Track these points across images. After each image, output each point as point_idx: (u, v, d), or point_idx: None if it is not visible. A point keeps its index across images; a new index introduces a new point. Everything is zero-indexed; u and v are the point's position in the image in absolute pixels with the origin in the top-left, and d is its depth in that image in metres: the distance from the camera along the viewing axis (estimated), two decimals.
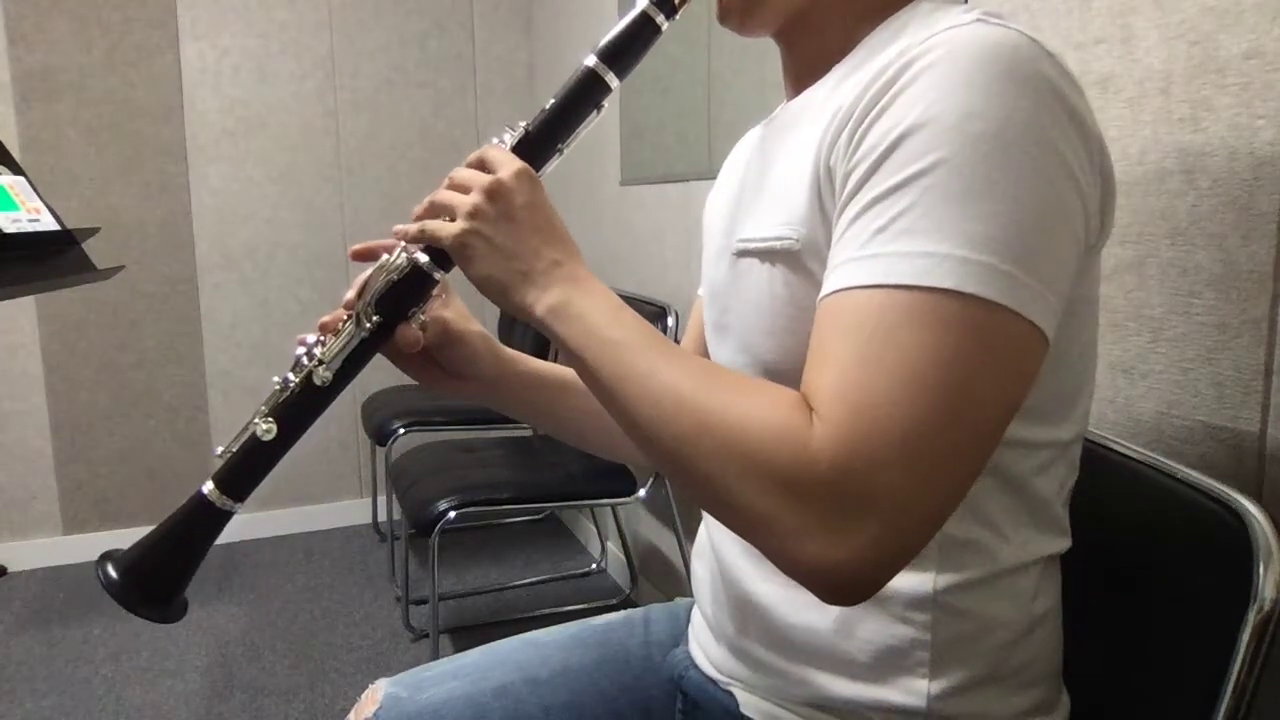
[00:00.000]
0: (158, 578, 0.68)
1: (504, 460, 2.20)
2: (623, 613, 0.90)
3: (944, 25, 0.52)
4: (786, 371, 0.61)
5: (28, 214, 1.28)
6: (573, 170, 2.78)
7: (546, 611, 2.44)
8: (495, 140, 0.67)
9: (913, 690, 0.60)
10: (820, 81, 0.64)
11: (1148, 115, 0.87)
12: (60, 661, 2.17)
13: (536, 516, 3.11)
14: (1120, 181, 0.90)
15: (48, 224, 1.29)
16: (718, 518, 0.53)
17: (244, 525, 2.86)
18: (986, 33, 0.50)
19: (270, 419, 0.67)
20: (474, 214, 0.62)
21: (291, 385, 0.68)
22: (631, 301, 2.15)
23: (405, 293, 0.69)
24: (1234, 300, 0.79)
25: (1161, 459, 0.72)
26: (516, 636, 0.87)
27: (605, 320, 0.59)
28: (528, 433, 2.61)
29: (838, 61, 0.63)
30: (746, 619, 0.68)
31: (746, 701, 0.69)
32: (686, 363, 0.55)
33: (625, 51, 0.66)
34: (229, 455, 0.68)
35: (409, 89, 2.96)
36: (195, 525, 0.68)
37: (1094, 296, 0.60)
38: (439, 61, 2.98)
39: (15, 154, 1.38)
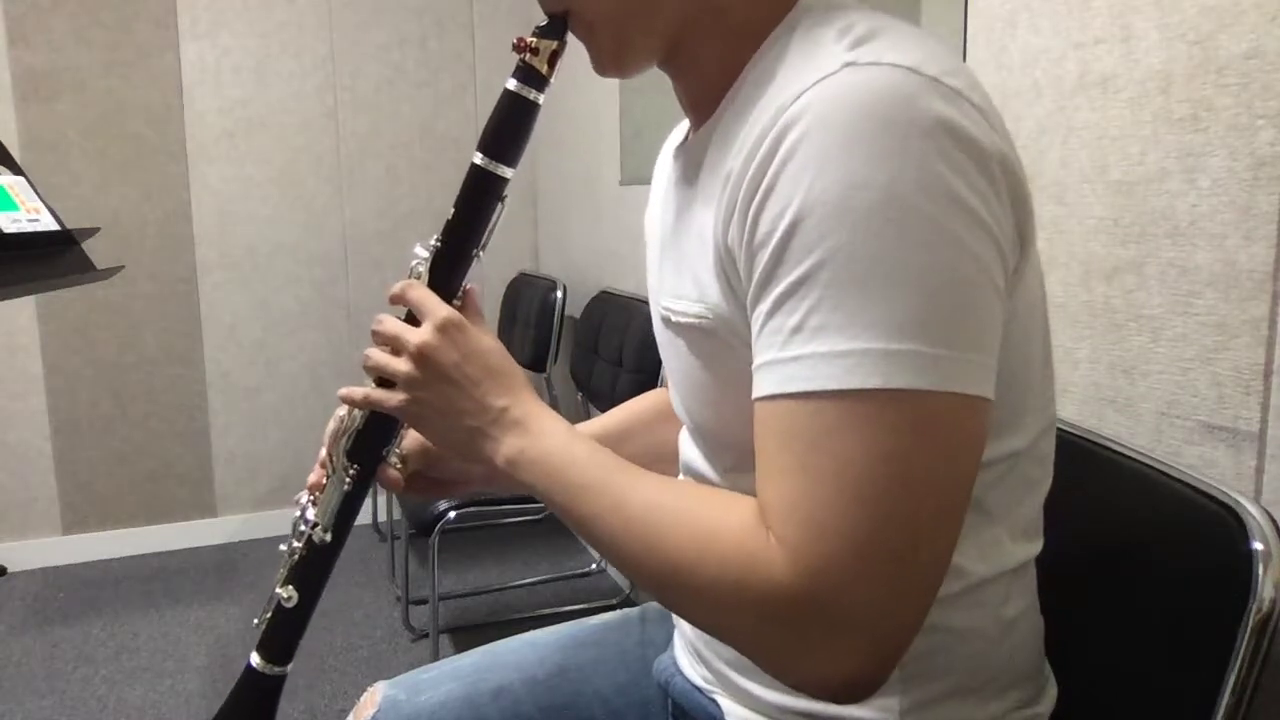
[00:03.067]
0: None
1: None
2: (619, 612, 0.90)
3: (812, 76, 0.49)
4: (721, 434, 0.64)
5: (27, 214, 1.28)
6: (573, 170, 2.78)
7: (546, 611, 2.44)
8: (413, 264, 0.67)
9: (884, 706, 0.59)
10: (711, 121, 0.62)
11: (1148, 115, 0.87)
12: (60, 661, 2.17)
13: (536, 516, 3.11)
14: (1120, 181, 0.90)
15: (48, 224, 1.29)
16: (718, 640, 0.55)
17: (244, 525, 2.86)
18: (856, 82, 0.47)
19: (289, 585, 0.71)
20: (410, 384, 0.62)
21: (298, 551, 0.71)
22: (631, 302, 2.16)
23: (373, 439, 0.70)
24: (1234, 300, 0.79)
25: (1161, 459, 0.72)
26: (514, 637, 0.88)
27: (561, 462, 0.59)
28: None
29: (727, 87, 0.60)
30: (711, 640, 0.69)
31: (731, 710, 0.68)
32: (645, 492, 0.55)
33: (507, 139, 0.64)
34: (263, 625, 0.73)
35: (409, 89, 2.96)
36: (254, 697, 0.75)
37: (1030, 306, 0.57)
38: (439, 61, 2.98)
39: (15, 154, 1.38)
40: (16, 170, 1.32)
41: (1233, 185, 0.79)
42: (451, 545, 2.82)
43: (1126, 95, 0.89)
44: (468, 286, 0.68)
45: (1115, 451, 0.76)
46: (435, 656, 2.01)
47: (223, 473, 2.89)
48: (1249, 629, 0.58)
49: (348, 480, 0.70)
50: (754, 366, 0.52)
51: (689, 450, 0.72)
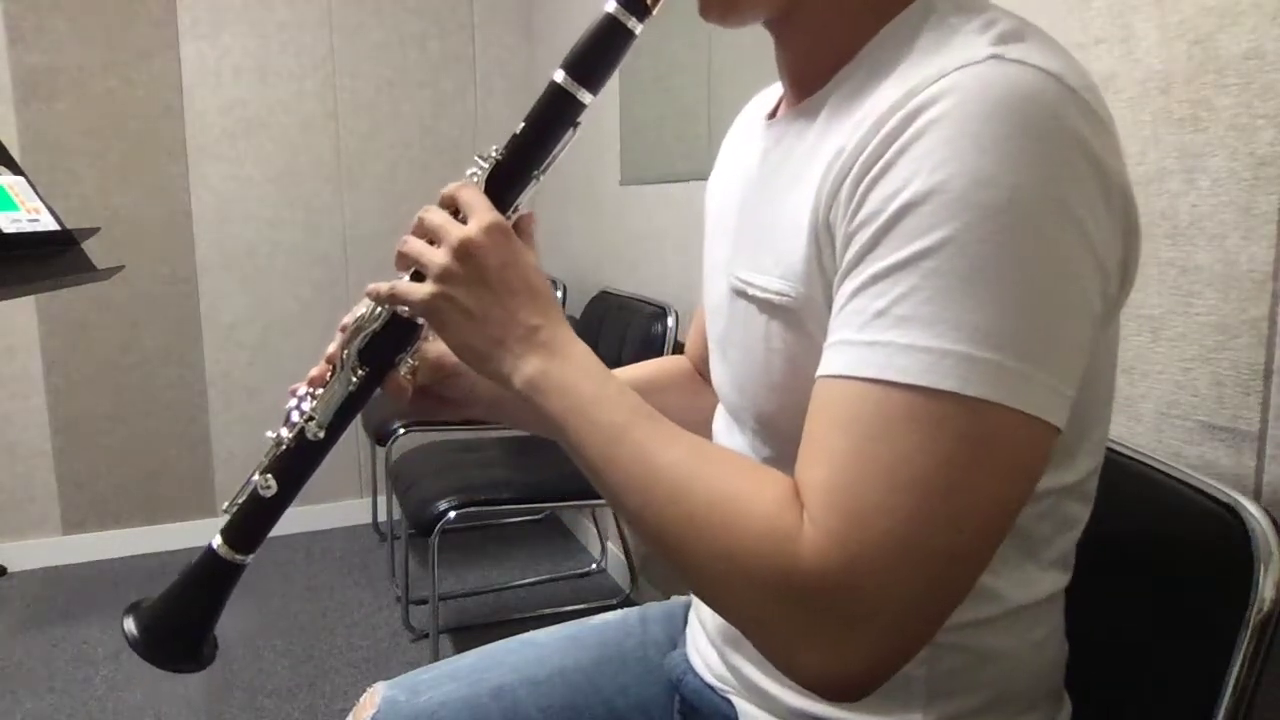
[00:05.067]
0: (178, 634, 0.70)
1: (504, 460, 2.20)
2: (619, 612, 0.90)
3: (955, 61, 0.47)
4: (780, 422, 0.60)
5: (28, 214, 1.28)
6: (573, 170, 2.78)
7: (546, 612, 2.44)
8: (469, 172, 0.63)
9: None
10: (820, 94, 0.59)
11: (1148, 115, 0.87)
12: (60, 661, 2.17)
13: (536, 516, 3.11)
14: None
15: (48, 224, 1.29)
16: (712, 609, 0.52)
17: None
18: (1001, 78, 0.46)
19: (269, 475, 0.68)
20: (444, 277, 0.59)
21: (286, 441, 0.68)
22: (631, 302, 2.16)
23: (389, 342, 0.67)
24: (1234, 300, 0.79)
25: (1161, 459, 0.72)
26: (514, 637, 0.87)
27: (588, 396, 0.55)
28: (527, 432, 2.61)
29: (838, 64, 0.58)
30: (737, 638, 0.68)
31: (746, 711, 0.68)
32: (675, 447, 0.52)
33: (596, 63, 0.61)
34: (234, 510, 0.69)
35: (409, 89, 2.96)
36: (209, 579, 0.70)
37: (1110, 342, 0.56)
38: (439, 62, 2.98)
39: (15, 154, 1.38)
40: (16, 170, 1.32)
41: (1233, 185, 0.79)
42: (451, 545, 2.82)
43: (1126, 95, 0.89)
44: (526, 212, 0.65)
45: (1115, 451, 0.76)
46: (435, 657, 2.01)
47: (223, 473, 2.89)
48: (1249, 629, 0.58)
49: (354, 380, 0.67)
50: (826, 344, 0.50)
51: (724, 433, 0.70)
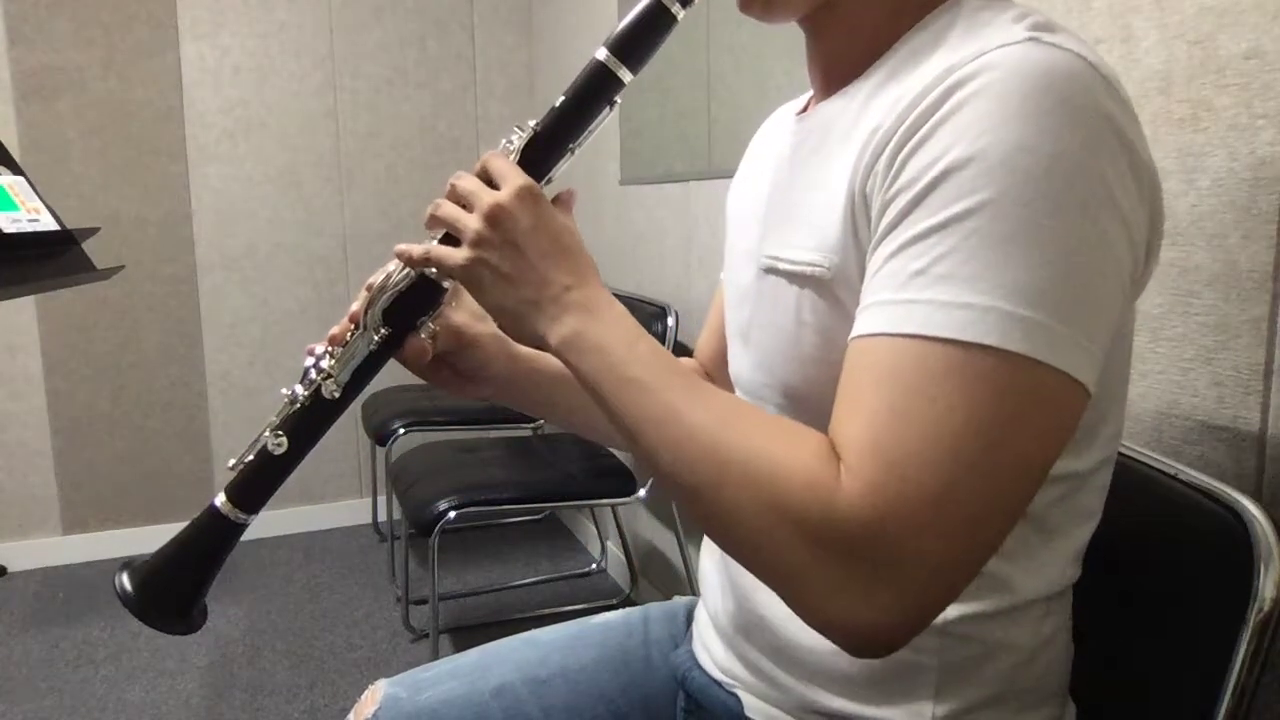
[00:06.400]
0: (173, 592, 0.68)
1: (504, 460, 2.20)
2: (621, 612, 0.90)
3: (994, 42, 0.49)
4: (808, 396, 0.60)
5: (27, 214, 1.28)
6: (573, 170, 2.77)
7: (546, 611, 2.44)
8: (504, 141, 0.65)
9: (917, 712, 0.59)
10: (856, 84, 0.60)
11: (1148, 115, 0.87)
12: (60, 661, 2.17)
13: (536, 516, 3.11)
14: None
15: (48, 224, 1.29)
16: (742, 564, 0.52)
17: None
18: (1041, 57, 0.47)
19: (280, 432, 0.67)
20: (478, 242, 0.60)
21: (301, 399, 0.67)
22: (631, 301, 2.16)
23: (414, 304, 0.67)
24: (1234, 300, 0.79)
25: (1161, 459, 0.72)
26: (516, 636, 0.87)
27: (621, 355, 0.56)
28: (528, 433, 2.61)
29: (872, 59, 0.59)
30: (750, 627, 0.68)
31: (752, 705, 0.68)
32: (708, 403, 0.53)
33: (639, 43, 0.62)
34: (240, 467, 0.68)
35: (409, 89, 2.96)
36: (209, 538, 0.69)
37: (1128, 330, 0.58)
38: (439, 62, 2.98)
39: (15, 154, 1.38)
40: (16, 170, 1.32)
41: (1233, 185, 0.79)
42: (451, 545, 2.82)
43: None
44: (566, 189, 0.66)
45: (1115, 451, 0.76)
46: (435, 656, 2.01)
47: (223, 473, 2.88)
48: (1249, 629, 0.58)
49: (376, 340, 0.66)
50: (860, 307, 0.51)
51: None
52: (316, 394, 0.67)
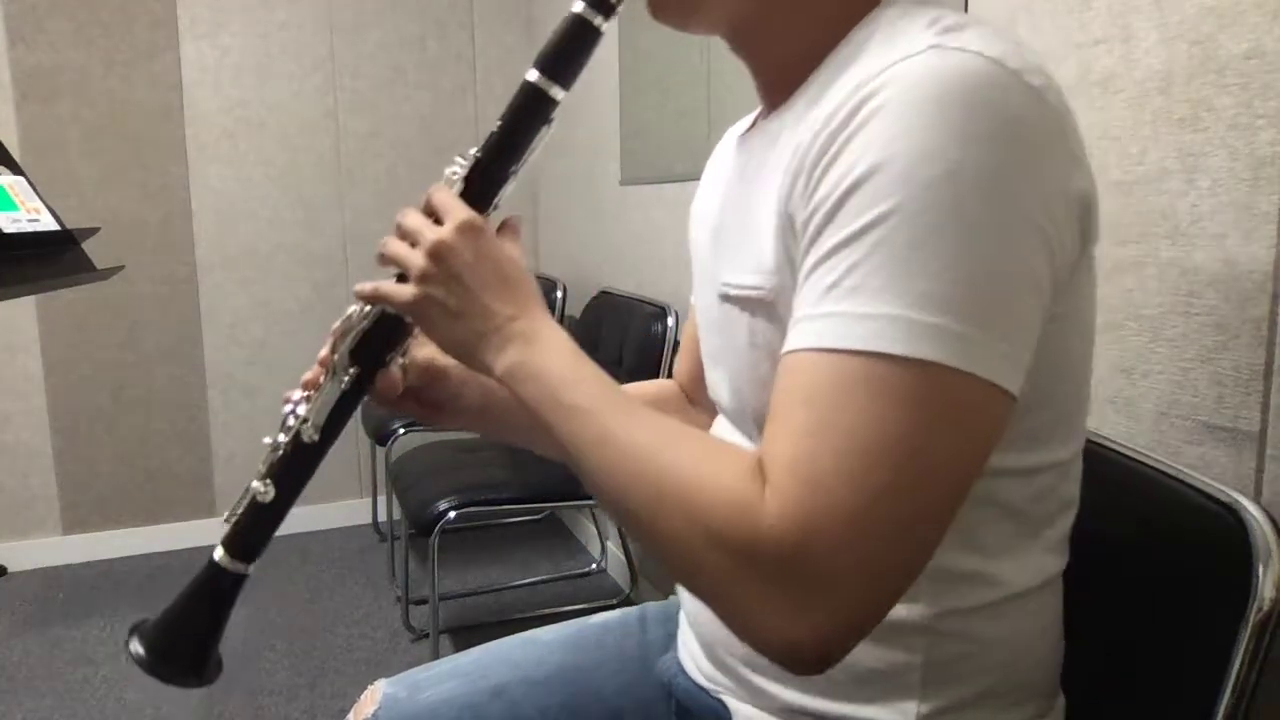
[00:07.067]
0: (184, 648, 0.70)
1: (504, 460, 2.20)
2: (619, 612, 0.90)
3: (899, 54, 0.49)
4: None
5: (27, 214, 1.28)
6: (573, 170, 2.78)
7: (546, 611, 2.44)
8: (449, 171, 0.65)
9: (902, 710, 0.59)
10: (790, 101, 0.61)
11: (1148, 115, 0.87)
12: (60, 661, 2.17)
13: (536, 516, 3.11)
14: (1120, 182, 0.90)
15: (48, 224, 1.30)
16: (683, 586, 0.53)
17: None
18: (941, 64, 0.48)
19: (268, 480, 0.68)
20: (423, 278, 0.61)
21: (282, 446, 0.69)
22: (631, 301, 2.16)
23: (378, 341, 0.68)
24: (1234, 300, 0.79)
25: (1161, 459, 0.72)
26: (515, 636, 0.87)
27: (561, 381, 0.57)
28: (515, 445, 2.60)
29: (806, 75, 0.60)
30: (726, 634, 0.68)
31: (738, 709, 0.68)
32: (645, 427, 0.54)
33: (567, 60, 0.63)
34: (234, 519, 0.69)
35: (409, 89, 2.96)
36: (212, 591, 0.70)
37: (1085, 310, 0.57)
38: (439, 62, 2.98)
39: (15, 154, 1.38)
40: (16, 170, 1.32)
41: (1233, 185, 0.79)
42: (451, 545, 2.82)
43: (1126, 95, 0.89)
44: (514, 215, 0.67)
45: (1115, 451, 0.76)
46: (435, 656, 2.01)
47: (223, 473, 2.89)
48: (1249, 629, 0.58)
49: (346, 381, 0.68)
50: (790, 324, 0.51)
51: (727, 436, 0.71)
52: (296, 439, 0.68)
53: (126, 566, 2.71)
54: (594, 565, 2.72)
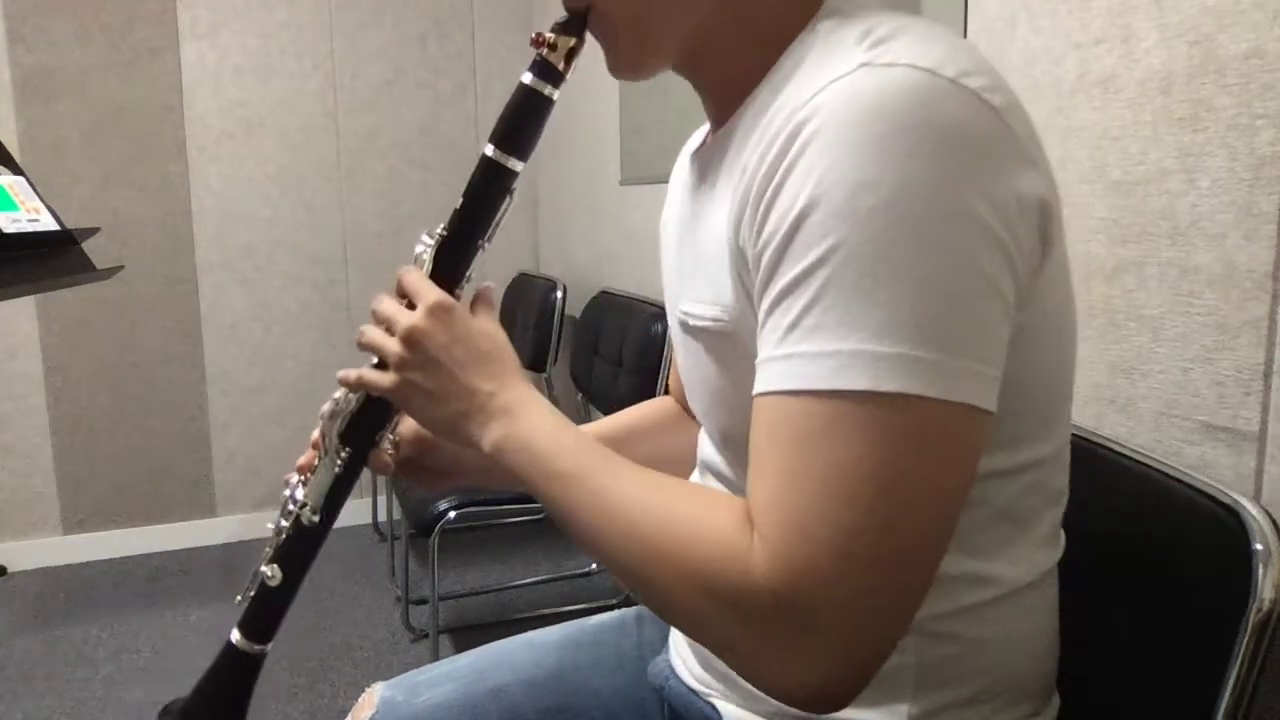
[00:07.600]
0: None
1: None
2: (617, 613, 0.90)
3: (828, 76, 0.48)
4: (741, 439, 0.60)
5: (27, 214, 1.28)
6: (573, 170, 2.78)
7: (546, 611, 2.44)
8: (418, 249, 0.67)
9: (894, 712, 0.59)
10: (735, 119, 0.60)
11: (1148, 115, 0.86)
12: (60, 661, 2.17)
13: (536, 516, 3.10)
14: (1120, 181, 0.90)
15: (48, 224, 1.29)
16: (688, 636, 0.53)
17: (244, 525, 2.86)
18: (868, 84, 0.47)
19: (274, 564, 0.71)
20: (400, 365, 0.63)
21: (285, 530, 0.71)
22: (631, 302, 2.16)
23: (367, 423, 0.70)
24: (1234, 300, 0.79)
25: (1161, 459, 0.72)
26: (512, 638, 0.88)
27: (547, 451, 0.58)
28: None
29: (750, 88, 0.59)
30: None
31: (728, 712, 0.68)
32: (628, 483, 0.55)
33: (521, 133, 0.64)
34: (246, 603, 0.72)
35: (409, 89, 2.96)
36: (232, 673, 0.73)
37: (1060, 308, 0.56)
38: (439, 62, 2.98)
39: (15, 154, 1.38)
40: (16, 170, 1.32)
41: (1233, 185, 0.79)
42: (451, 545, 2.82)
43: (1126, 95, 0.89)
44: (484, 284, 0.69)
45: (1115, 452, 0.76)
46: (435, 657, 2.01)
47: (223, 473, 2.89)
48: (1249, 629, 0.58)
49: (339, 463, 0.69)
50: (756, 364, 0.51)
51: (709, 451, 0.71)
52: (297, 523, 0.71)
53: (126, 566, 2.71)
54: (594, 565, 2.72)
